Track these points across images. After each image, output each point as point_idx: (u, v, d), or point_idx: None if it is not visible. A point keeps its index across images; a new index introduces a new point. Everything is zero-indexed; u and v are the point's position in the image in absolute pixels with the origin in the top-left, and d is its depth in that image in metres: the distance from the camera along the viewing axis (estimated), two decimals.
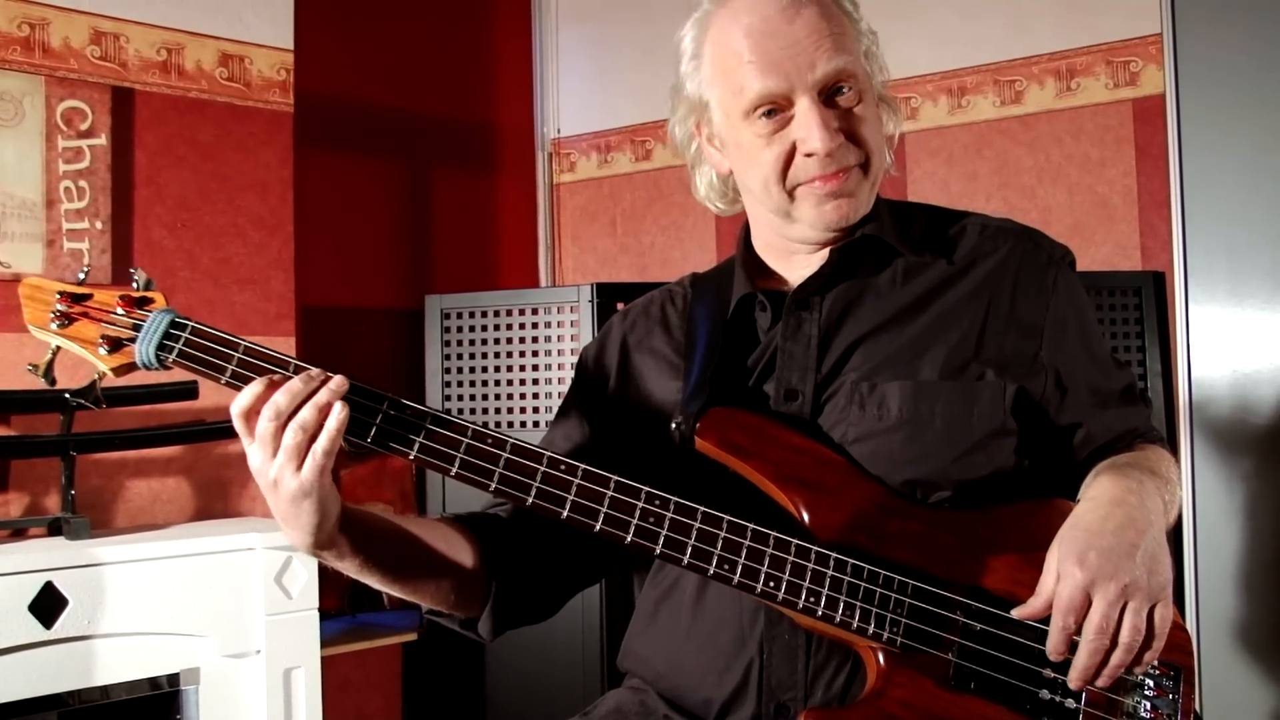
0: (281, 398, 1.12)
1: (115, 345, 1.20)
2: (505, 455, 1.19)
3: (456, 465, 1.18)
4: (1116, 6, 2.87)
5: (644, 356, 1.42)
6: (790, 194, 1.28)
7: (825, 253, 1.33)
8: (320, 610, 2.54)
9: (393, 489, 3.25)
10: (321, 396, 1.13)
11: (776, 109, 1.25)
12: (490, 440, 1.18)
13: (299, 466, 1.12)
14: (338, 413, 1.12)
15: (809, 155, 1.25)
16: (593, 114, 3.78)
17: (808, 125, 1.24)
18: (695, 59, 1.32)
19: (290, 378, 1.14)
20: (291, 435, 1.11)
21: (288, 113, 2.99)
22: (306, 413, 1.12)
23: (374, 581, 1.28)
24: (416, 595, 1.31)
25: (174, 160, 2.82)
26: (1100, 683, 1.14)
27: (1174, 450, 1.41)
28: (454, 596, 1.32)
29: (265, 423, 1.11)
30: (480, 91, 3.74)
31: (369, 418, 1.17)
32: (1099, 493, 1.21)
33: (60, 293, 1.22)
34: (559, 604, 1.43)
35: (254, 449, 1.13)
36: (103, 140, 2.69)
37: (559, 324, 2.93)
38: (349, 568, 1.25)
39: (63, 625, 2.20)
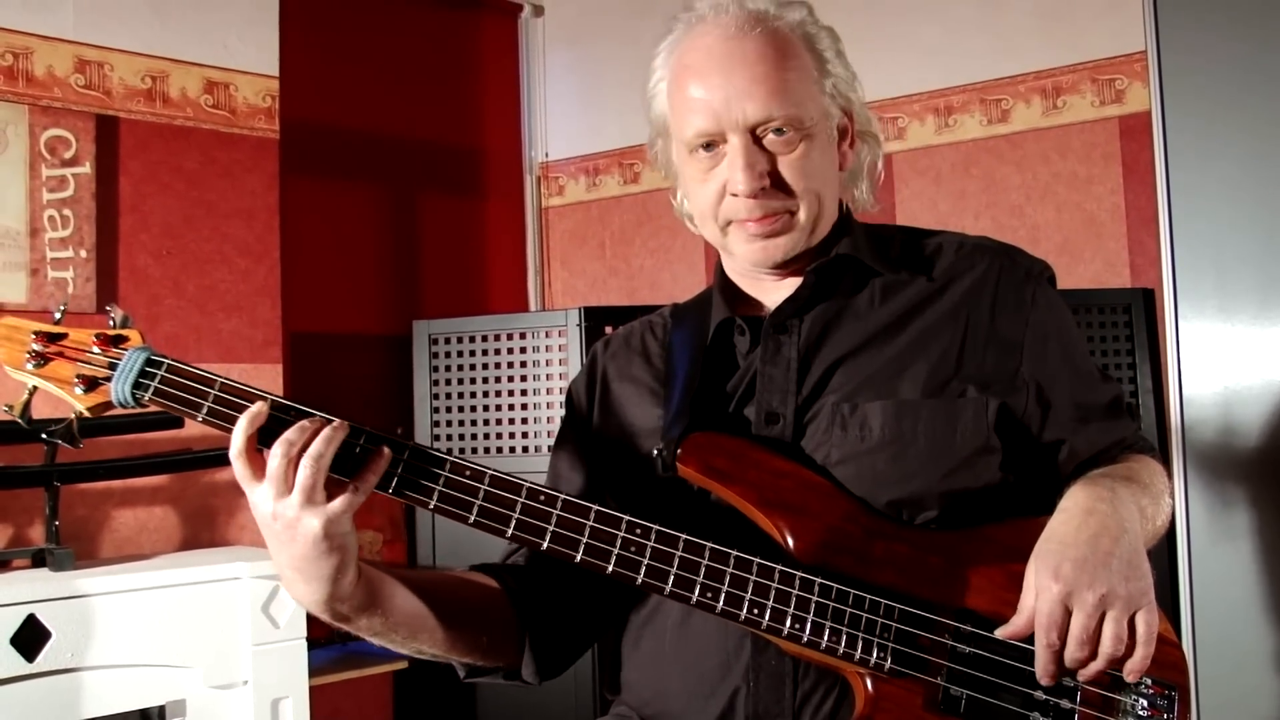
0: (293, 433, 1.10)
1: (91, 384, 1.20)
2: (484, 487, 1.17)
3: (435, 498, 1.16)
4: (1101, 24, 2.88)
5: (625, 385, 1.42)
6: (724, 229, 1.31)
7: (800, 274, 1.33)
8: (309, 639, 2.52)
9: (382, 516, 3.22)
10: (328, 431, 1.11)
11: (713, 143, 1.28)
12: (469, 472, 1.17)
13: (317, 499, 1.10)
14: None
15: (735, 195, 1.27)
16: (581, 137, 3.78)
17: (734, 166, 1.26)
18: (661, 80, 1.35)
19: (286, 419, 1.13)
20: (307, 469, 1.09)
21: (273, 139, 2.99)
22: (317, 445, 1.10)
23: (398, 640, 1.24)
24: (446, 647, 1.27)
25: (159, 188, 2.81)
26: None
27: (1164, 461, 1.39)
28: (485, 639, 1.29)
29: (278, 459, 1.10)
30: (468, 116, 3.74)
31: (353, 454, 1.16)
32: (1070, 505, 1.19)
33: (36, 332, 1.21)
34: (595, 637, 1.42)
35: (263, 489, 1.11)
36: (87, 168, 2.68)
37: (548, 348, 2.92)
38: (373, 625, 1.21)
39: (45, 658, 2.17)
